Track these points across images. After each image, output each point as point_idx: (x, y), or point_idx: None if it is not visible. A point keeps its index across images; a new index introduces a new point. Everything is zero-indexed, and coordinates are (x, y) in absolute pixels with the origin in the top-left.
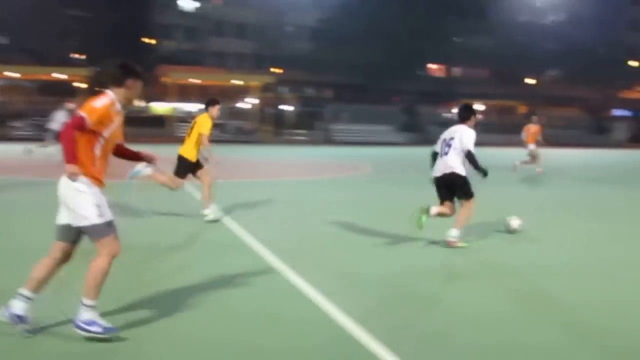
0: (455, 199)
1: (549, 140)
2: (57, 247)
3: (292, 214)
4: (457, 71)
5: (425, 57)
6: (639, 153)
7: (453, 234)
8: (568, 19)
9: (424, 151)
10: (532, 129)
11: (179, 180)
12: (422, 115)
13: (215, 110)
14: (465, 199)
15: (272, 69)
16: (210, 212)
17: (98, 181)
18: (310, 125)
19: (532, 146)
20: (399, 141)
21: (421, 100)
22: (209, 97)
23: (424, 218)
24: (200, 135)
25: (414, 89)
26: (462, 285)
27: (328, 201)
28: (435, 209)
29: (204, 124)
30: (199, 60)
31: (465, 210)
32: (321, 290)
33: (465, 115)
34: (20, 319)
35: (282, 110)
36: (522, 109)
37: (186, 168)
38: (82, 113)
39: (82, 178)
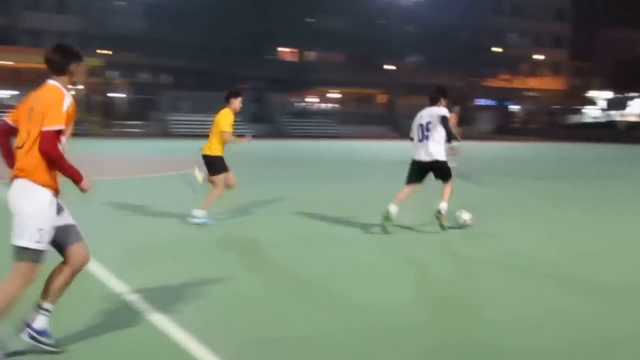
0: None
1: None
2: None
3: (109, 218)
4: (310, 55)
5: (275, 40)
6: (509, 146)
7: (443, 206)
8: (430, 0)
9: (277, 145)
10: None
11: (221, 182)
12: (272, 105)
13: (237, 102)
14: (446, 180)
15: (99, 51)
16: (201, 216)
17: (57, 192)
18: (144, 115)
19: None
20: (247, 133)
21: (271, 88)
22: (231, 89)
23: (388, 225)
24: (221, 133)
25: (264, 75)
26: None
27: (161, 203)
28: (395, 207)
29: (224, 120)
30: (10, 39)
31: (448, 187)
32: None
33: (436, 96)
34: (44, 334)
35: (112, 98)
36: (382, 98)
37: (219, 165)
38: (55, 125)
39: (45, 191)
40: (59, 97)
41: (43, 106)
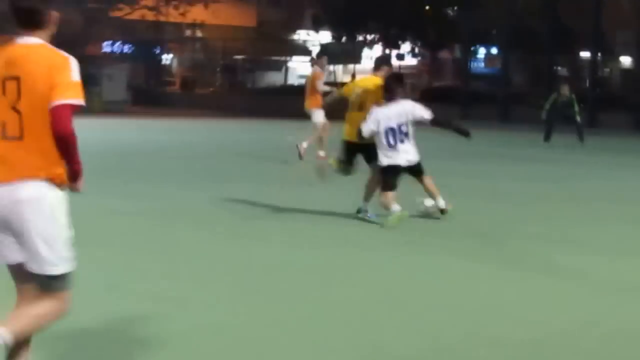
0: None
1: None
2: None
3: None
4: None
5: None
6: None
7: (442, 203)
8: None
9: None
10: None
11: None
12: None
13: (384, 71)
14: (424, 175)
15: None
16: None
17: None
18: None
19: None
20: None
21: None
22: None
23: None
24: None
25: None
26: None
27: None
28: (395, 204)
29: (373, 91)
30: None
31: (430, 181)
32: None
33: (395, 87)
34: None
35: None
36: None
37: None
38: (73, 98)
39: (62, 191)
40: (63, 60)
41: (43, 74)
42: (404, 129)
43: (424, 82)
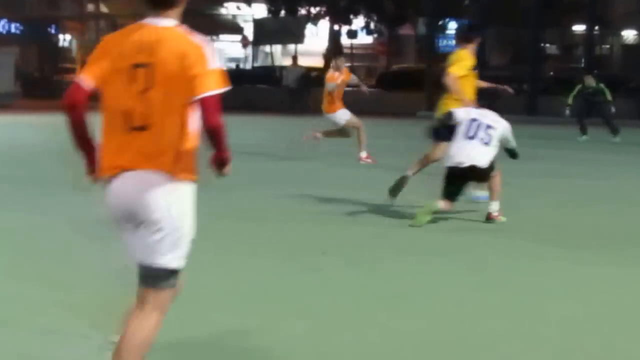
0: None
1: None
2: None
3: None
4: None
5: None
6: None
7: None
8: None
9: None
10: None
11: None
12: None
13: (476, 44)
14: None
15: None
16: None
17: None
18: None
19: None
20: None
21: None
22: None
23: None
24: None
25: None
26: None
27: None
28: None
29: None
30: None
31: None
32: None
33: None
34: None
35: None
36: None
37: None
38: (218, 89)
39: (191, 186)
40: (197, 47)
41: (177, 62)
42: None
43: (382, 64)
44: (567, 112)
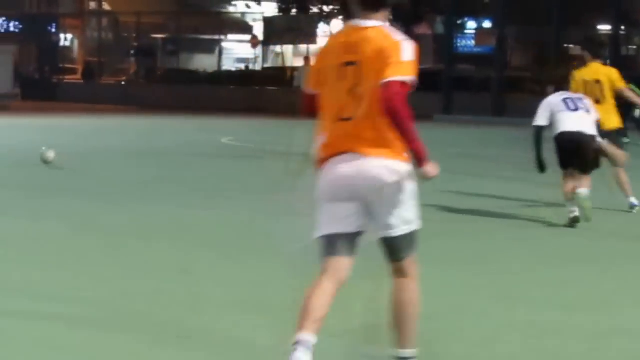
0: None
1: None
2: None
3: None
4: None
5: None
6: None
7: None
8: None
9: None
10: None
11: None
12: None
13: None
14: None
15: None
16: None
17: None
18: None
19: None
20: None
21: None
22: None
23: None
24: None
25: None
26: None
27: None
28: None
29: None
30: None
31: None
32: None
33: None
34: None
35: None
36: None
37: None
38: (403, 76)
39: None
40: (395, 42)
41: (379, 57)
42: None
43: None
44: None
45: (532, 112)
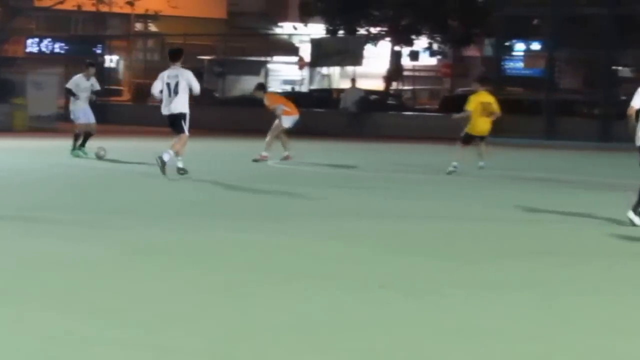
0: None
1: None
2: None
3: None
4: None
5: None
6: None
7: None
8: None
9: None
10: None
11: None
12: None
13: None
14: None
15: None
16: None
17: None
18: None
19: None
20: None
21: None
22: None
23: None
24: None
25: None
26: None
27: None
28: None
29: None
30: None
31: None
32: None
33: None
34: None
35: None
36: None
37: None
38: None
39: None
40: None
41: None
42: None
43: (445, 86)
44: None
45: (582, 134)
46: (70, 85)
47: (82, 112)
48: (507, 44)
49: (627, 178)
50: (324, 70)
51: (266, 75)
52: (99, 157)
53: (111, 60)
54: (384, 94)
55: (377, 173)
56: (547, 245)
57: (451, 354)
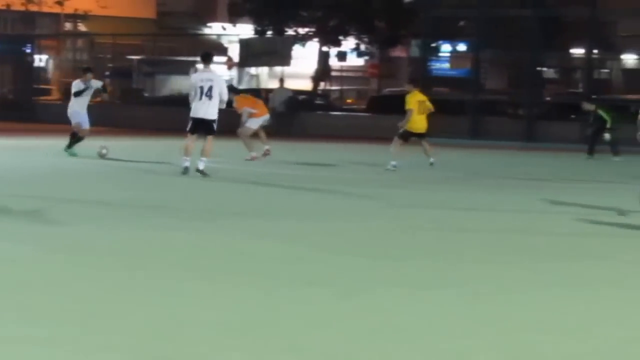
0: None
1: None
2: None
3: None
4: None
5: None
6: None
7: None
8: None
9: None
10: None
11: None
12: None
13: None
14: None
15: None
16: None
17: None
18: None
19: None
20: None
21: None
22: None
23: None
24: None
25: None
26: None
27: None
28: None
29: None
30: None
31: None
32: None
33: None
34: None
35: None
36: None
37: None
38: None
39: None
40: None
41: None
42: None
43: (373, 87)
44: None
45: (507, 134)
46: (73, 88)
47: (78, 115)
48: (433, 45)
49: (547, 176)
50: (253, 70)
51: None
52: (101, 156)
53: (40, 60)
54: (312, 94)
55: (305, 172)
56: (469, 244)
57: (371, 352)
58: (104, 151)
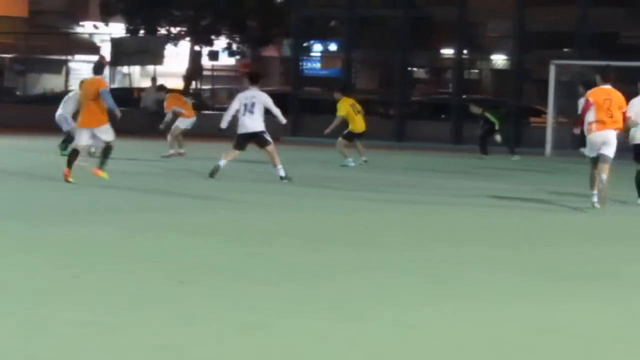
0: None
1: None
2: None
3: None
4: None
5: None
6: None
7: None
8: None
9: None
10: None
11: None
12: None
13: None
14: None
15: None
16: None
17: None
18: None
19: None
20: None
21: None
22: None
23: None
24: None
25: None
26: None
27: None
28: None
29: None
30: None
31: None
32: None
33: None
34: None
35: None
36: None
37: None
38: None
39: None
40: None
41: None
42: None
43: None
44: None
45: (378, 134)
46: None
47: (65, 120)
48: (305, 44)
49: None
50: (125, 69)
51: (67, 74)
52: (90, 155)
53: None
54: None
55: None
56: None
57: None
58: (92, 149)
